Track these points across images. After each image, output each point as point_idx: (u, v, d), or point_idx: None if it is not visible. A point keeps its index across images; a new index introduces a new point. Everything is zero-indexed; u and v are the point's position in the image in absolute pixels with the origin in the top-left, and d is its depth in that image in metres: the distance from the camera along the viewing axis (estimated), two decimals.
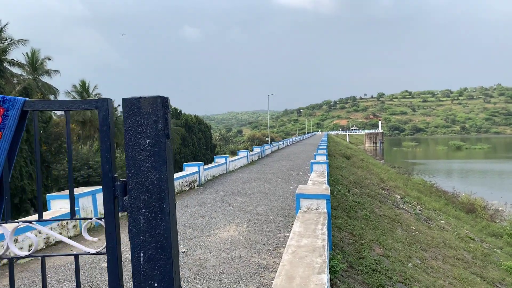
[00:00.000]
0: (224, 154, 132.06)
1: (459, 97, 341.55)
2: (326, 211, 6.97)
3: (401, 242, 11.63)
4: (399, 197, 25.21)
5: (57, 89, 56.40)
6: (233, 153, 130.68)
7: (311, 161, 14.49)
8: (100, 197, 8.61)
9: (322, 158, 17.42)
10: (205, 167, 16.36)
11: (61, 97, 64.23)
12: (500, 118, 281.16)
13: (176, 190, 12.87)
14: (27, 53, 51.34)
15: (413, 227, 15.03)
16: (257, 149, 29.43)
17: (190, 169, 14.81)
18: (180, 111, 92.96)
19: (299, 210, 7.05)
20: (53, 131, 42.56)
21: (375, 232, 11.13)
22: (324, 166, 13.83)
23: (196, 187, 14.43)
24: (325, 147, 25.58)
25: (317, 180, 11.32)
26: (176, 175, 13.40)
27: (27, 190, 35.40)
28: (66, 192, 8.15)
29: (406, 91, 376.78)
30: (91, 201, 8.28)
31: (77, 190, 8.26)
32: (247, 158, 24.49)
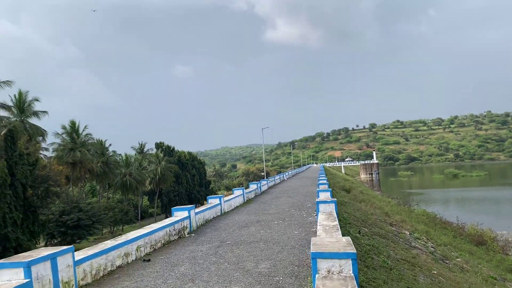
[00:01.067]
0: (219, 190, 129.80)
1: (451, 125, 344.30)
2: (352, 275, 5.28)
3: None
4: (408, 233, 23.45)
5: (45, 131, 54.80)
6: (228, 188, 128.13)
7: (317, 200, 12.79)
8: (62, 263, 6.82)
9: (327, 196, 15.75)
10: (197, 210, 14.59)
11: (50, 138, 62.40)
12: (493, 144, 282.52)
13: (162, 241, 11.06)
14: (14, 95, 49.95)
15: (435, 271, 13.26)
16: (253, 186, 27.67)
17: (179, 214, 13.03)
18: (173, 148, 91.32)
19: (316, 275, 5.35)
20: (39, 174, 40.57)
21: (399, 285, 9.37)
22: (332, 206, 12.15)
23: (186, 235, 12.61)
24: (326, 181, 23.92)
25: (327, 225, 9.61)
26: (163, 223, 11.63)
27: (11, 238, 33.06)
28: (17, 258, 6.36)
29: (398, 120, 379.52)
30: (49, 268, 6.49)
31: (31, 255, 6.46)
32: (243, 196, 22.71)
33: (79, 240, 40.77)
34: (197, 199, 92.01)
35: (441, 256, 18.36)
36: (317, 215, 12.37)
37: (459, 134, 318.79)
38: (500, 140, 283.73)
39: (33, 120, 51.68)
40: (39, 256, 6.32)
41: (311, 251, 5.58)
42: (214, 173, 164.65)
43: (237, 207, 20.39)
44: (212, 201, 17.38)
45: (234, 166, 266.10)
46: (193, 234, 12.72)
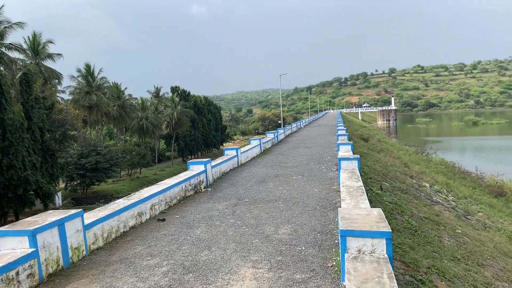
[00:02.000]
0: (235, 135, 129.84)
1: (473, 71, 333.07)
2: (386, 256, 4.73)
3: (456, 258, 9.38)
4: (428, 185, 22.91)
5: (60, 74, 54.39)
6: (244, 133, 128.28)
7: (339, 157, 12.15)
8: (71, 228, 6.42)
9: (347, 150, 15.09)
10: (214, 163, 14.12)
11: (66, 81, 62.09)
12: None
13: (178, 197, 10.68)
14: (28, 37, 49.08)
15: (459, 230, 12.78)
16: (270, 135, 27.10)
17: (196, 168, 12.57)
18: (189, 93, 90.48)
19: (346, 255, 4.81)
20: (56, 118, 40.61)
21: (426, 249, 8.88)
22: (355, 163, 11.52)
23: (203, 190, 12.22)
24: (345, 132, 23.06)
25: (351, 186, 9.02)
26: (178, 178, 11.21)
27: (31, 181, 33.60)
28: (21, 225, 5.94)
29: (418, 65, 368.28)
30: (57, 235, 6.09)
31: (36, 221, 6.04)
32: (260, 146, 22.20)
33: (97, 183, 41.38)
34: (213, 144, 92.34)
35: (464, 211, 17.85)
36: (338, 171, 11.79)
37: (482, 80, 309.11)
38: None
39: (48, 63, 51.07)
40: (45, 223, 5.90)
41: (340, 228, 5.00)
42: (230, 117, 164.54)
43: (254, 158, 19.94)
44: (229, 152, 16.89)
45: (250, 111, 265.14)
46: (209, 189, 12.33)
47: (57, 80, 52.55)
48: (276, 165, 16.80)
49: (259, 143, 22.04)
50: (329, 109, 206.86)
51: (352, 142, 16.48)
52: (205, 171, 12.63)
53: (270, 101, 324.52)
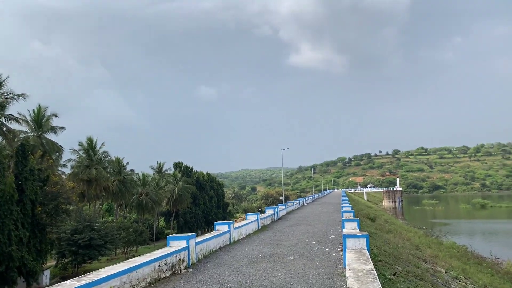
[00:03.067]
0: (237, 212, 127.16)
1: (477, 154, 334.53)
2: None
3: None
4: (444, 270, 20.55)
5: (61, 147, 53.78)
6: (246, 211, 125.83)
7: (344, 233, 10.35)
8: None
9: (353, 227, 13.27)
10: (200, 239, 12.28)
11: (67, 155, 61.44)
12: None
13: (148, 279, 8.75)
14: (33, 109, 49.23)
15: None
16: (269, 211, 25.22)
17: (175, 244, 10.73)
18: (192, 169, 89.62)
19: None
20: (50, 190, 39.09)
21: None
22: (363, 242, 9.71)
23: (182, 271, 10.28)
24: (351, 209, 21.21)
25: (360, 270, 7.17)
26: (151, 256, 9.35)
27: (15, 257, 31.21)
28: None
29: (422, 147, 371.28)
30: None
31: None
32: (258, 222, 20.29)
33: (90, 261, 38.84)
34: (214, 221, 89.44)
35: None
36: (344, 251, 9.95)
37: (486, 163, 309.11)
38: None
39: (50, 136, 50.65)
40: None
41: None
42: (233, 195, 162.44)
43: (249, 234, 17.99)
44: (220, 227, 15.05)
45: (254, 189, 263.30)
46: (190, 270, 10.40)
47: (58, 153, 51.85)
48: (273, 243, 14.85)
49: (256, 218, 20.16)
50: (334, 189, 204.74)
51: (358, 219, 14.67)
52: (187, 248, 10.77)
53: (274, 179, 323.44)
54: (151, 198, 68.43)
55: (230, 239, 15.12)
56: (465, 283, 19.06)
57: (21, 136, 44.88)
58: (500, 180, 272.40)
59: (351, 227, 13.90)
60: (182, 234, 11.02)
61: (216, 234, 13.80)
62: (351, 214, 18.80)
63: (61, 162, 60.90)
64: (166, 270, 9.60)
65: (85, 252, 38.04)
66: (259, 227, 20.43)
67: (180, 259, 10.35)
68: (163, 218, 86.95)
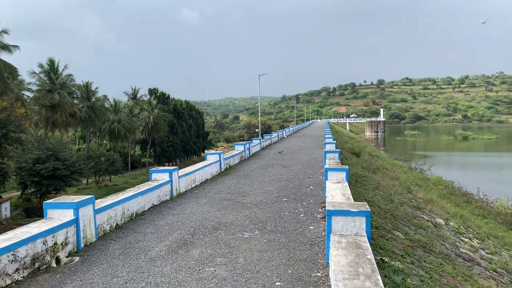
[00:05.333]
0: (218, 141, 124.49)
1: (461, 85, 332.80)
2: None
3: None
4: (443, 222, 17.20)
5: (15, 68, 48.12)
6: (228, 141, 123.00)
7: (329, 208, 6.19)
8: None
9: (341, 179, 9.29)
10: (119, 197, 8.15)
11: (25, 78, 55.60)
12: (503, 106, 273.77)
13: None
14: None
15: None
16: (239, 147, 21.04)
17: (57, 214, 6.61)
18: (168, 96, 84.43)
19: None
20: None
21: None
22: (362, 222, 5.67)
23: (63, 260, 6.23)
24: (337, 153, 16.54)
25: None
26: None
27: None
28: None
29: (407, 78, 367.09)
30: None
31: None
32: (220, 164, 16.17)
33: (55, 191, 35.42)
34: (193, 151, 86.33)
35: (503, 269, 12.17)
36: (327, 231, 5.92)
37: (469, 94, 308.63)
38: (511, 103, 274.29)
39: (4, 56, 44.68)
40: None
41: None
42: (215, 124, 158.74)
43: (205, 181, 13.90)
44: (158, 176, 10.86)
45: (237, 118, 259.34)
46: (76, 259, 6.34)
47: (11, 75, 46.25)
48: (229, 199, 10.79)
49: (219, 158, 16.00)
50: (317, 119, 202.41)
51: (347, 168, 10.62)
52: (76, 220, 6.64)
53: (257, 108, 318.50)
54: (123, 126, 64.21)
55: (172, 191, 10.99)
56: (469, 238, 15.79)
57: None
58: (481, 111, 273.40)
59: (336, 179, 9.91)
60: (63, 201, 6.80)
61: (144, 189, 9.59)
62: (345, 174, 14.77)
63: (25, 86, 55.54)
64: (22, 266, 5.49)
65: (49, 183, 35.03)
66: (222, 170, 16.33)
67: (61, 241, 6.22)
68: (139, 146, 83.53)
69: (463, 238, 15.20)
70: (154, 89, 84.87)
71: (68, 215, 6.67)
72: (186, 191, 12.07)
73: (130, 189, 9.47)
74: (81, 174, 39.84)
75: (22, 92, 55.73)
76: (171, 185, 10.97)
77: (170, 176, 10.91)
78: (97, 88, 64.98)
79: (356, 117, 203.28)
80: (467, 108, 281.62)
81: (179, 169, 12.06)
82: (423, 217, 15.57)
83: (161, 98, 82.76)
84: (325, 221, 7.93)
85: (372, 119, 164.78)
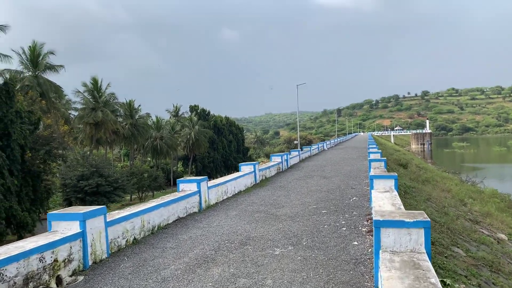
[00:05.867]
0: (259, 157, 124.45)
1: (511, 94, 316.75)
2: None
3: None
4: (505, 237, 15.34)
5: (61, 87, 49.69)
6: (268, 156, 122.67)
7: (375, 219, 5.02)
8: None
9: (389, 188, 8.06)
10: (135, 210, 7.33)
11: (71, 97, 57.37)
12: None
13: None
14: (29, 46, 44.70)
15: None
16: (276, 159, 20.00)
17: (62, 227, 5.83)
18: (209, 112, 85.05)
19: None
20: (41, 135, 35.23)
21: None
22: (419, 234, 4.49)
23: (66, 281, 5.40)
24: (383, 161, 15.14)
25: None
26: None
27: (1, 207, 27.80)
28: None
29: (453, 88, 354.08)
30: None
31: None
32: (255, 175, 15.16)
33: None
34: (234, 166, 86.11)
35: None
36: (375, 248, 4.77)
37: None
38: None
39: (50, 76, 46.36)
40: None
41: None
42: (255, 139, 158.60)
43: (238, 193, 12.94)
44: (185, 186, 10.00)
45: (277, 133, 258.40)
46: (80, 278, 5.51)
47: (56, 95, 47.70)
48: (262, 210, 9.74)
49: (253, 169, 15.01)
50: (359, 132, 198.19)
51: (396, 175, 9.32)
52: (83, 233, 5.82)
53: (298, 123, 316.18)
54: (166, 143, 65.02)
55: (200, 203, 10.08)
56: None
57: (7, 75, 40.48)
58: None
59: (384, 188, 8.67)
60: (75, 211, 6.01)
61: (168, 200, 8.72)
62: (383, 163, 13.41)
63: (72, 106, 57.24)
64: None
65: (93, 199, 35.30)
66: (257, 181, 15.31)
67: (69, 257, 5.40)
68: (181, 162, 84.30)
69: None
70: (195, 106, 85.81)
71: (73, 228, 5.85)
72: (216, 203, 11.13)
73: (152, 200, 8.62)
74: (124, 190, 40.13)
75: (69, 111, 57.48)
76: (200, 196, 10.06)
77: (198, 186, 10.01)
78: (139, 106, 66.10)
79: (400, 129, 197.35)
80: None
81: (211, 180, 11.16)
82: (482, 232, 13.89)
83: (202, 115, 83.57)
84: (371, 236, 6.73)
85: (418, 131, 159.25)
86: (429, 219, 4.62)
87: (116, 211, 7.42)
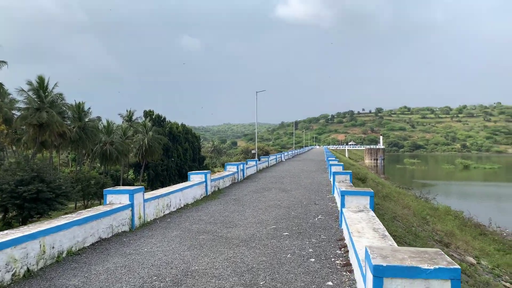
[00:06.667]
0: (215, 166, 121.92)
1: (459, 115, 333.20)
2: None
3: None
4: (474, 261, 14.25)
5: (2, 85, 45.95)
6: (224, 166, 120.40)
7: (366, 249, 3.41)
8: None
9: (363, 207, 6.49)
10: (61, 221, 5.31)
11: (14, 95, 53.40)
12: (501, 136, 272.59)
13: None
14: None
15: None
16: (231, 168, 18.20)
17: None
18: (164, 118, 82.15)
19: None
20: None
21: None
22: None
23: None
24: (349, 174, 13.80)
25: None
26: None
27: None
28: None
29: (405, 107, 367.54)
30: None
31: None
32: (206, 186, 13.29)
33: (38, 216, 32.25)
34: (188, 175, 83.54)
35: None
36: None
37: (467, 124, 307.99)
38: (509, 133, 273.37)
39: None
40: None
41: None
42: (212, 148, 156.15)
43: (184, 207, 11.00)
44: (114, 198, 8.01)
45: (235, 143, 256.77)
46: None
47: None
48: (209, 231, 7.88)
49: (204, 179, 13.14)
50: (315, 145, 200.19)
51: (372, 191, 7.79)
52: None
53: (256, 134, 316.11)
54: (116, 148, 61.35)
55: (133, 219, 8.11)
56: (510, 282, 12.85)
57: None
58: (480, 141, 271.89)
59: (357, 206, 7.08)
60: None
61: (85, 216, 6.71)
62: (348, 176, 11.95)
63: (16, 106, 53.14)
64: None
65: (32, 206, 31.71)
66: (208, 193, 13.42)
67: None
68: (132, 169, 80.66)
69: (504, 283, 12.30)
70: (150, 111, 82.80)
71: None
72: (155, 219, 9.13)
73: (63, 216, 6.57)
74: (68, 197, 36.89)
75: (12, 111, 53.28)
76: (132, 210, 8.06)
77: (131, 198, 8.02)
78: (89, 108, 62.40)
79: (354, 144, 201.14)
80: (466, 138, 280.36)
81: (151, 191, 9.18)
82: (454, 256, 12.70)
83: (157, 121, 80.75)
84: (349, 272, 5.05)
85: (372, 146, 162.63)
86: (458, 266, 2.99)
87: (5, 232, 5.35)
